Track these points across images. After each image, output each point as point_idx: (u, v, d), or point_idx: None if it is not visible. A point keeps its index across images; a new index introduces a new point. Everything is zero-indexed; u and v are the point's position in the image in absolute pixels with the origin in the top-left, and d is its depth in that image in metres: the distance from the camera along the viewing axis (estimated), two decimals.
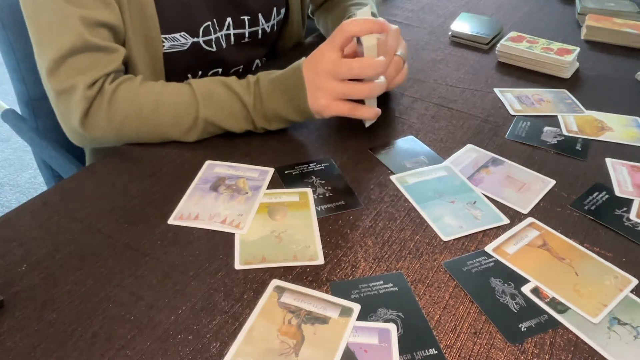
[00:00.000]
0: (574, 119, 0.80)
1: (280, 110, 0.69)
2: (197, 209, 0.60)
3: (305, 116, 0.69)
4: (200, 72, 0.82)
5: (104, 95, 0.67)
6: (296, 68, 0.68)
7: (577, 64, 0.95)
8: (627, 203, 0.63)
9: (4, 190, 2.02)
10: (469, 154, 0.71)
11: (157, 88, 0.69)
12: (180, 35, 0.75)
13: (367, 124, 0.73)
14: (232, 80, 0.70)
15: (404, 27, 1.10)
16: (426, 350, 0.45)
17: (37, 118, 0.94)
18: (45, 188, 0.70)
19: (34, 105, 0.93)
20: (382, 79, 0.67)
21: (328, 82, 0.65)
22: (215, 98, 0.69)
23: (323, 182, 0.65)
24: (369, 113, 0.68)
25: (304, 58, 0.68)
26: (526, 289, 0.51)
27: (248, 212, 0.59)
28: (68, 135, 0.72)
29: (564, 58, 0.91)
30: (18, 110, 0.96)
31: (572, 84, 0.90)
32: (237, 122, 0.70)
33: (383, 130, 0.76)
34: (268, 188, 0.63)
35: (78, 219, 0.58)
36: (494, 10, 1.21)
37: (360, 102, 0.69)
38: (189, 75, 0.81)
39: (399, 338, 0.46)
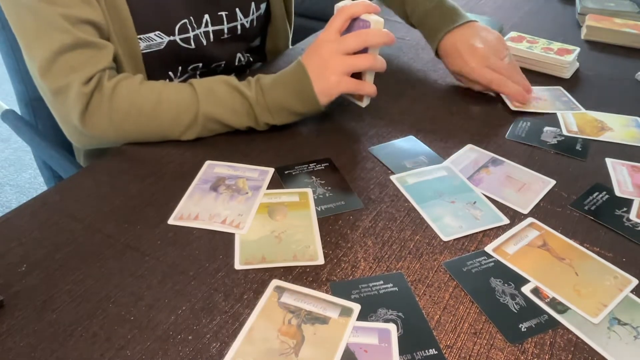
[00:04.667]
0: (574, 119, 0.80)
1: (284, 101, 0.69)
2: (197, 209, 0.60)
3: (310, 104, 0.70)
4: (180, 67, 0.82)
5: (103, 92, 0.67)
6: (296, 62, 0.70)
7: (577, 64, 0.95)
8: (627, 203, 0.63)
9: (4, 190, 2.02)
10: (469, 154, 0.71)
11: (158, 86, 0.69)
12: (155, 35, 0.75)
13: (365, 104, 0.75)
14: (233, 78, 0.71)
15: (404, 26, 1.09)
16: (426, 351, 0.45)
17: (37, 118, 0.94)
18: (45, 188, 0.70)
19: (34, 106, 0.93)
20: None
21: (335, 58, 0.68)
22: (216, 94, 0.69)
23: (323, 182, 0.65)
24: (372, 89, 0.72)
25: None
26: (526, 289, 0.51)
27: (248, 212, 0.59)
28: (67, 134, 0.72)
29: (564, 58, 0.91)
30: (18, 110, 0.96)
31: (572, 84, 0.90)
32: (238, 117, 0.70)
33: (383, 130, 0.76)
34: (268, 188, 0.63)
35: (78, 219, 0.58)
36: (494, 10, 1.21)
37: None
38: (170, 73, 0.81)
39: (399, 338, 0.46)
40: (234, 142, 0.71)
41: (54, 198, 0.61)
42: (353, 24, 0.70)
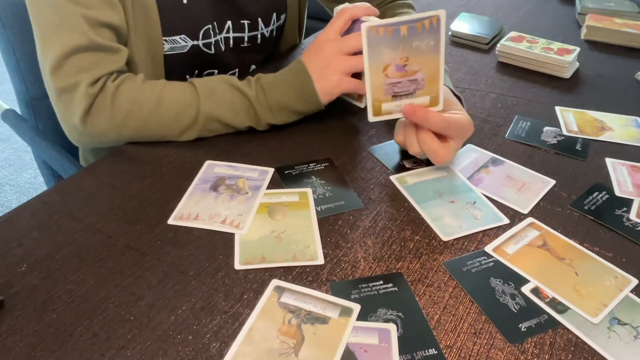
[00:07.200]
0: (574, 119, 0.80)
1: (285, 100, 0.70)
2: (197, 209, 0.60)
3: (311, 103, 0.70)
4: (196, 71, 0.83)
5: (106, 93, 0.67)
6: (296, 62, 0.71)
7: (577, 64, 0.95)
8: (627, 203, 0.63)
9: (4, 190, 2.02)
10: (469, 154, 0.71)
11: (160, 86, 0.70)
12: (180, 38, 0.75)
13: (364, 104, 0.75)
14: (234, 78, 0.72)
15: None
16: (426, 351, 0.45)
17: (37, 118, 0.94)
18: (45, 188, 0.70)
19: (34, 105, 0.93)
20: None
21: (336, 58, 0.68)
22: (217, 93, 0.70)
23: (323, 182, 0.65)
24: None
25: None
26: (526, 289, 0.51)
27: (248, 212, 0.59)
28: (67, 133, 0.72)
29: (564, 58, 0.91)
30: (18, 110, 0.96)
31: (572, 84, 0.90)
32: (238, 116, 0.70)
33: (383, 130, 0.76)
34: (268, 188, 0.63)
35: (78, 219, 0.58)
36: (494, 10, 1.21)
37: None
38: (187, 76, 0.81)
39: (399, 338, 0.46)
40: (234, 142, 0.71)
41: (54, 198, 0.61)
42: (353, 25, 0.71)
